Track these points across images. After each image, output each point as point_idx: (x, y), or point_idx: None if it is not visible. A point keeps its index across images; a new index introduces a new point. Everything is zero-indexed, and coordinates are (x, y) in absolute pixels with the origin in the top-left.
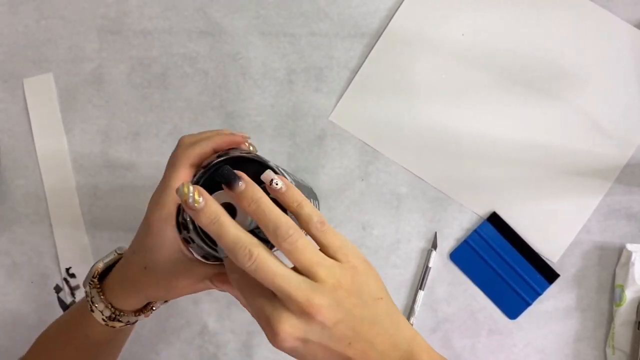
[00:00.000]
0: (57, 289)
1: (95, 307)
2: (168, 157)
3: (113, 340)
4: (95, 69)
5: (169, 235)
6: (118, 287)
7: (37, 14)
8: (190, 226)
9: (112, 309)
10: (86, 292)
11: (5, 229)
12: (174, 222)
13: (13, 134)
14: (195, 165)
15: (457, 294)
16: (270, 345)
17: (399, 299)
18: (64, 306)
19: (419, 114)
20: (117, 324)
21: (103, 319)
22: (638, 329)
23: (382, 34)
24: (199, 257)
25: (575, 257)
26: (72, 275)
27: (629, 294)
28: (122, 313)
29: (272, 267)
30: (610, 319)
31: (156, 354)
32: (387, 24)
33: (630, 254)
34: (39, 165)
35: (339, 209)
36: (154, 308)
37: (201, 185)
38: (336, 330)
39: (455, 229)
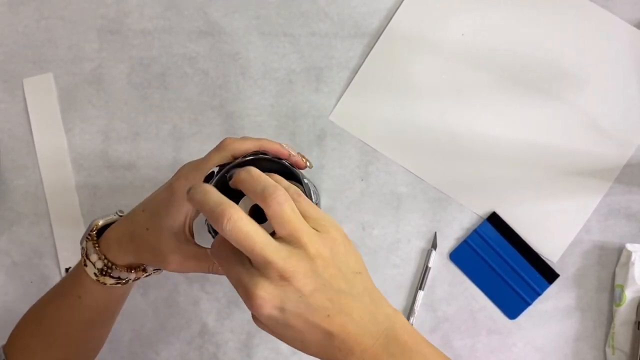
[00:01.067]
0: None
1: (89, 260)
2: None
3: (106, 306)
4: (95, 69)
5: (186, 210)
6: (114, 241)
7: (37, 14)
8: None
9: (105, 261)
10: (82, 247)
11: (5, 229)
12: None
13: (13, 134)
14: (235, 157)
15: (457, 294)
16: (270, 344)
17: (399, 299)
18: None
19: (419, 114)
20: (108, 280)
21: (95, 273)
22: (638, 328)
23: (382, 34)
24: (199, 242)
25: (575, 257)
26: None
27: (628, 294)
28: (114, 266)
29: (248, 229)
30: (610, 318)
31: (156, 354)
32: (387, 24)
33: (630, 253)
34: (39, 165)
35: (339, 209)
36: (145, 270)
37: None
38: (313, 300)
39: (455, 229)
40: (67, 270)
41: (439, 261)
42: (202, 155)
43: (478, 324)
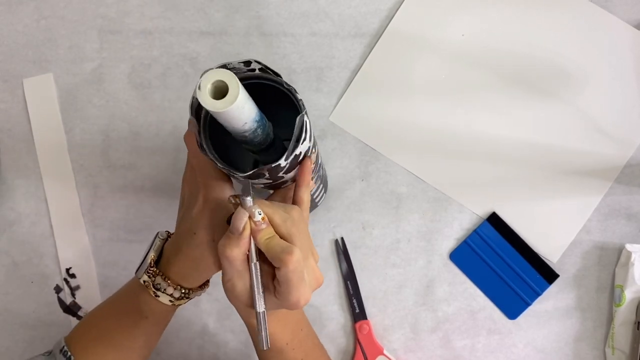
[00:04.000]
0: (57, 289)
1: (163, 292)
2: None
3: (168, 317)
4: (95, 69)
5: (222, 197)
6: (186, 268)
7: (37, 13)
8: (204, 144)
9: (182, 289)
10: (144, 281)
11: (5, 229)
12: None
13: (13, 134)
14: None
15: (457, 294)
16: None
17: (400, 299)
18: (64, 306)
19: (420, 114)
20: (184, 302)
21: (170, 300)
22: (638, 329)
23: (382, 34)
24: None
25: (575, 257)
26: (73, 276)
27: (628, 294)
28: (191, 291)
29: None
30: (610, 319)
31: (156, 354)
32: (388, 24)
33: (630, 254)
34: (39, 165)
35: (339, 209)
36: (209, 280)
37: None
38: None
39: (455, 229)
40: (67, 270)
41: (439, 261)
42: None
43: (478, 324)
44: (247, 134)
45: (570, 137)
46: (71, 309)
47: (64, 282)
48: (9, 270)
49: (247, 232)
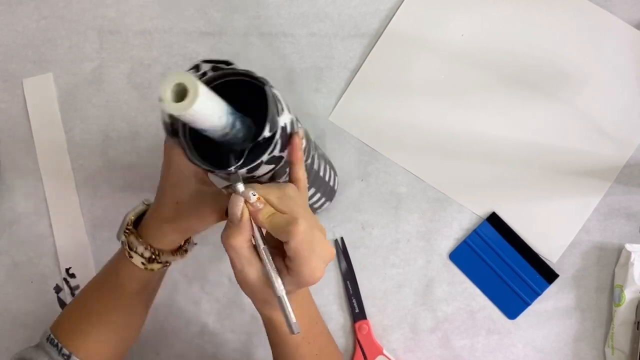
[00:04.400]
0: (57, 289)
1: (134, 251)
2: None
3: (148, 288)
4: (95, 69)
5: (189, 168)
6: (154, 228)
7: (37, 13)
8: (180, 132)
9: (152, 249)
10: (122, 242)
11: (5, 229)
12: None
13: (13, 134)
14: None
15: (457, 294)
16: (269, 345)
17: (399, 299)
18: (64, 306)
19: (419, 114)
20: (156, 266)
21: (142, 262)
22: (637, 329)
23: (382, 34)
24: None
25: (575, 257)
26: (72, 275)
27: (628, 294)
28: (161, 253)
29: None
30: (610, 319)
31: (156, 354)
32: (387, 25)
33: (629, 254)
34: (39, 165)
35: (339, 209)
36: (186, 250)
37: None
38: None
39: (454, 229)
40: (67, 270)
41: (439, 261)
42: None
43: (477, 324)
44: (227, 131)
45: (569, 137)
46: None
47: (64, 282)
48: (9, 270)
49: (246, 216)
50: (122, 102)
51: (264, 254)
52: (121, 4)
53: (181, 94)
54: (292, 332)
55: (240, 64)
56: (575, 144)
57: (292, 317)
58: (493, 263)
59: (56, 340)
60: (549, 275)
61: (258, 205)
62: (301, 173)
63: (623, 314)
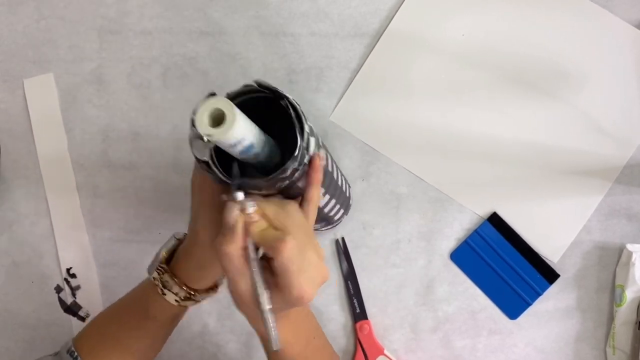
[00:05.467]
0: (58, 289)
1: (169, 290)
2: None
3: (175, 321)
4: (95, 69)
5: (211, 189)
6: (192, 270)
7: (37, 13)
8: (210, 159)
9: (187, 290)
10: (153, 278)
11: (5, 229)
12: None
13: (13, 134)
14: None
15: (458, 294)
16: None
17: (400, 299)
18: (65, 306)
19: (420, 114)
20: (190, 303)
21: (176, 300)
22: (638, 329)
23: (382, 34)
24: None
25: (576, 257)
26: (73, 276)
27: (629, 294)
28: (196, 293)
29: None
30: (611, 319)
31: None
32: (388, 24)
33: (630, 254)
34: (39, 165)
35: None
36: (217, 285)
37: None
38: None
39: (455, 229)
40: (67, 270)
41: (439, 261)
42: None
43: (479, 324)
44: (257, 151)
45: (570, 137)
46: (72, 309)
47: (65, 282)
48: (9, 270)
49: (240, 225)
50: (122, 102)
51: (253, 265)
52: (121, 4)
53: (218, 119)
54: (272, 349)
55: (240, 64)
56: (575, 144)
57: (273, 333)
58: (494, 263)
59: (76, 353)
60: (550, 275)
61: (253, 217)
62: (315, 194)
63: (624, 314)
